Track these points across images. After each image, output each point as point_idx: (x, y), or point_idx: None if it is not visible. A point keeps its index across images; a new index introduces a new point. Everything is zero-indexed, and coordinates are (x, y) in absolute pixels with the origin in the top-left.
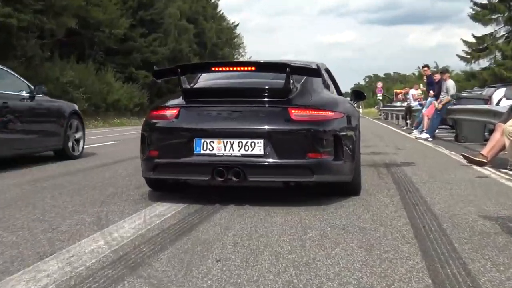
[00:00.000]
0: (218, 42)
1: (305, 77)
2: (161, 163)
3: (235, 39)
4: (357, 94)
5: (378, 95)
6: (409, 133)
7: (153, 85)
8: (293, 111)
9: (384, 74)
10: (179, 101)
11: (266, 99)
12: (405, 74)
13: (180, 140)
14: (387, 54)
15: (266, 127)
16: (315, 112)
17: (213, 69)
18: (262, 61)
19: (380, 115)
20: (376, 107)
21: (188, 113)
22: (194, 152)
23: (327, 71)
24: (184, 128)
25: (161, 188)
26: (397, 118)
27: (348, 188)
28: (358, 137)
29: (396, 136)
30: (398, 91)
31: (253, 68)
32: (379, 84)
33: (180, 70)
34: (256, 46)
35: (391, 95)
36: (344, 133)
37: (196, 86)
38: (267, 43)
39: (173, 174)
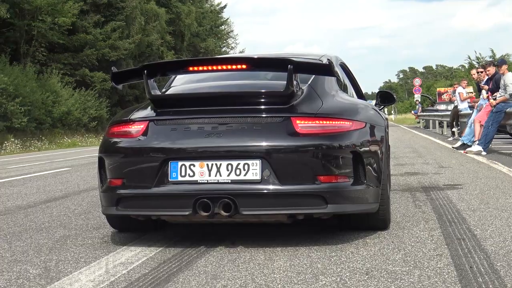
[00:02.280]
0: (200, 31)
1: (313, 76)
2: (126, 195)
3: (222, 26)
4: (385, 96)
5: (416, 96)
6: (453, 146)
7: (114, 92)
8: (298, 121)
9: (424, 68)
10: (147, 112)
11: (262, 107)
12: (451, 67)
13: (150, 164)
14: (427, 41)
15: (264, 144)
16: (328, 122)
17: (190, 69)
18: (256, 57)
19: (418, 122)
20: (413, 112)
21: (159, 128)
22: (170, 179)
23: (343, 66)
24: (154, 148)
25: (128, 229)
26: (441, 126)
27: (373, 221)
28: (385, 153)
29: (439, 150)
30: (443, 89)
31: (244, 66)
32: (417, 82)
33: (147, 72)
34: (252, 35)
35: (433, 95)
36: (367, 148)
37: (169, 92)
38: (266, 31)
39: (143, 210)
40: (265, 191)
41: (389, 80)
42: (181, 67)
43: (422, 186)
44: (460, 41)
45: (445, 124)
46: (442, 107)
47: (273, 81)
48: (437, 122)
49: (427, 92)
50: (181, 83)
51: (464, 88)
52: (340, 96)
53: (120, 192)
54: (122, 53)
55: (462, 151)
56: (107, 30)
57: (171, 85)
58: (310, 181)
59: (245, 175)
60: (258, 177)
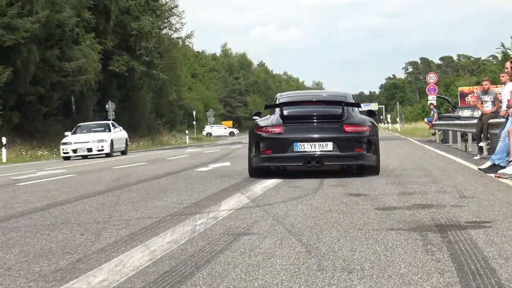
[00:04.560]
0: (131, 6)
1: (349, 107)
2: (274, 156)
3: (163, 0)
4: (369, 113)
5: (430, 97)
6: (480, 167)
7: (11, 91)
8: (345, 126)
9: (441, 59)
10: (279, 122)
11: (331, 120)
12: (478, 57)
13: (285, 143)
14: (445, 23)
15: (332, 135)
16: (357, 127)
17: (301, 104)
18: (329, 100)
19: (433, 134)
20: (426, 120)
21: (288, 128)
22: (294, 150)
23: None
24: (287, 137)
25: (264, 175)
26: (465, 139)
27: (373, 169)
28: (378, 140)
29: (461, 173)
30: (466, 89)
31: (323, 102)
32: (432, 78)
33: (282, 105)
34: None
35: (454, 97)
36: (372, 138)
37: (288, 113)
38: (226, 9)
39: (281, 163)
40: (333, 154)
41: (394, 75)
42: (298, 104)
43: (436, 224)
44: (490, 23)
45: (469, 137)
46: (466, 113)
47: (334, 108)
48: (458, 134)
49: (445, 92)
50: (290, 108)
51: (495, 87)
52: (359, 115)
53: (271, 156)
54: (22, 36)
55: (493, 175)
56: (0, 4)
57: (283, 109)
58: (351, 151)
59: (325, 148)
60: (331, 148)
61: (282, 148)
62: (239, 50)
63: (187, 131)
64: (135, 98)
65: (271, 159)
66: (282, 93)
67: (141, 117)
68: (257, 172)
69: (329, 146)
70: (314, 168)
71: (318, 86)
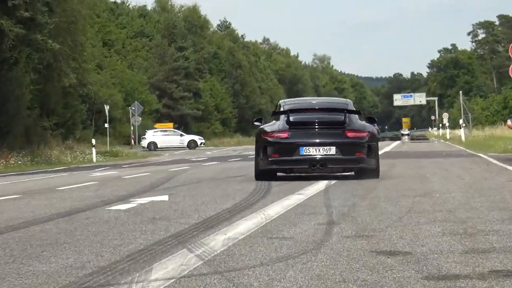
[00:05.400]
0: None
1: (351, 114)
2: (281, 159)
3: None
4: (369, 119)
5: None
6: None
7: None
8: (347, 132)
9: None
10: (285, 127)
11: (334, 126)
12: None
13: (291, 147)
14: None
15: (335, 140)
16: (358, 132)
17: (305, 111)
18: (333, 107)
19: None
20: (510, 121)
21: (294, 133)
22: (299, 154)
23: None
24: (293, 141)
25: (271, 178)
26: None
27: (373, 172)
28: (378, 144)
29: None
30: None
31: (327, 109)
32: None
33: (289, 112)
34: None
35: None
36: (372, 143)
37: (294, 120)
38: None
39: (287, 166)
40: (336, 158)
41: (453, 46)
42: (304, 111)
43: None
44: None
45: None
46: None
47: (337, 115)
48: None
49: None
50: (295, 115)
51: None
52: (359, 122)
53: (278, 159)
54: None
55: None
56: None
57: (289, 115)
58: (353, 154)
59: (329, 152)
60: (334, 152)
61: (289, 152)
62: (187, 0)
63: (93, 141)
64: (2, 81)
65: (278, 162)
66: (285, 100)
67: (12, 115)
68: (264, 175)
69: (332, 150)
70: (318, 171)
71: (323, 62)
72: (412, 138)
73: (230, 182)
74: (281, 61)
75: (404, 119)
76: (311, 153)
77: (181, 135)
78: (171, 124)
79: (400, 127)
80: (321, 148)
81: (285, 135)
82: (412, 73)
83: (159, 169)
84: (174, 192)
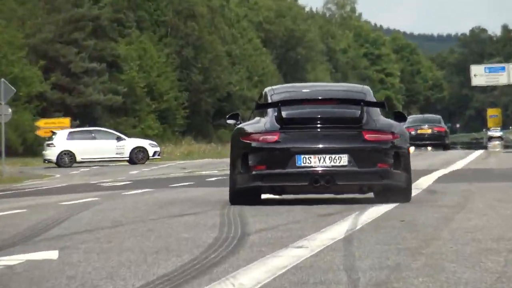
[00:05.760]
0: None
1: (369, 107)
2: (269, 172)
3: None
4: (397, 116)
5: None
6: None
7: None
8: (366, 134)
9: None
10: (276, 127)
11: (347, 125)
12: None
13: (285, 154)
14: None
15: (349, 145)
16: (381, 134)
17: (304, 103)
18: (343, 98)
19: None
20: None
21: (287, 135)
22: (296, 164)
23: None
24: (287, 147)
25: (256, 200)
26: None
27: (402, 194)
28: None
29: None
30: None
31: (336, 102)
32: None
33: (280, 104)
34: None
35: None
36: (402, 149)
37: (291, 116)
38: None
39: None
40: (349, 170)
41: None
42: (301, 103)
43: None
44: None
45: None
46: None
47: (350, 109)
48: None
49: None
50: (290, 109)
51: None
52: (383, 119)
53: (265, 172)
54: None
55: None
56: None
57: (280, 109)
58: (374, 166)
59: (339, 162)
60: (346, 162)
61: (281, 162)
62: None
63: None
64: None
65: (264, 177)
66: (274, 87)
67: None
68: (243, 197)
69: (344, 159)
70: (323, 191)
71: (343, 9)
72: (508, 146)
73: (172, 226)
74: (268, 7)
75: (490, 111)
76: (312, 164)
77: (118, 138)
78: (67, 120)
79: (482, 124)
80: (327, 156)
81: (275, 137)
82: (505, 28)
83: (43, 203)
84: (70, 245)
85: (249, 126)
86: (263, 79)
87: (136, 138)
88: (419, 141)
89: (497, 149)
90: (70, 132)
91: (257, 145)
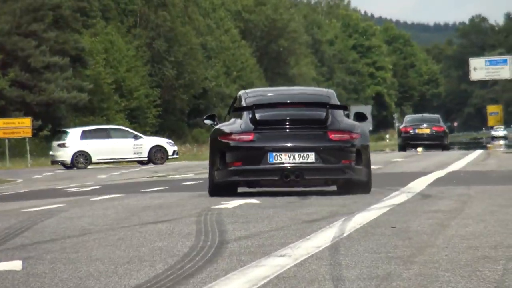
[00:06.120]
0: None
1: (333, 110)
2: (244, 169)
3: None
4: (358, 116)
5: None
6: None
7: None
8: (330, 133)
9: None
10: (251, 127)
11: (314, 126)
12: None
13: (258, 152)
14: None
15: (315, 144)
16: (344, 134)
17: (275, 106)
18: (311, 101)
19: None
20: None
21: (261, 135)
22: (268, 161)
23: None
24: (260, 146)
25: (233, 192)
26: None
27: (363, 187)
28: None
29: None
30: None
31: (304, 105)
32: None
33: (255, 107)
34: None
35: None
36: (363, 147)
37: (264, 118)
38: None
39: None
40: (316, 166)
41: None
42: (273, 106)
43: None
44: None
45: None
46: None
47: (317, 111)
48: None
49: None
50: (263, 111)
51: None
52: (346, 120)
53: (241, 168)
54: None
55: None
56: None
57: (256, 112)
58: (338, 162)
59: (307, 159)
60: (313, 159)
61: (255, 159)
62: None
63: None
64: None
65: (241, 173)
66: (247, 91)
67: None
68: (221, 189)
69: (311, 157)
70: (292, 184)
71: None
72: (511, 145)
73: (145, 234)
74: None
75: (490, 108)
76: (283, 161)
77: (135, 137)
78: (28, 120)
79: (481, 123)
80: (296, 154)
81: (249, 137)
82: (508, 16)
83: (4, 210)
84: (34, 255)
85: (226, 126)
86: (242, 74)
87: (153, 136)
88: (417, 141)
89: (501, 150)
90: (84, 131)
91: (234, 144)
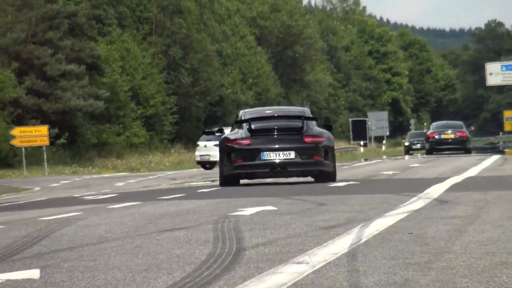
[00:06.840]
0: None
1: (308, 121)
2: (243, 164)
3: None
4: (326, 126)
5: None
6: None
7: None
8: (305, 138)
9: None
10: (247, 135)
11: (293, 132)
12: None
13: (253, 153)
14: None
15: (293, 145)
16: (315, 138)
17: (265, 119)
18: (291, 115)
19: None
20: None
21: (255, 140)
22: (261, 158)
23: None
24: (255, 147)
25: (237, 183)
26: None
27: (330, 176)
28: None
29: None
30: None
31: (285, 117)
32: None
33: (251, 120)
34: None
35: None
36: (330, 147)
37: (255, 127)
38: None
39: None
40: (296, 161)
41: None
42: (264, 119)
43: None
44: None
45: None
46: None
47: (295, 122)
48: None
49: None
50: (256, 123)
51: None
52: (316, 128)
53: (241, 164)
54: None
55: None
56: None
57: (251, 123)
58: (311, 158)
59: (289, 156)
60: (293, 156)
61: (251, 157)
62: None
63: None
64: None
65: (241, 167)
66: (245, 110)
67: None
68: (229, 181)
69: (292, 154)
70: (279, 175)
71: (346, 2)
72: None
73: (162, 242)
74: (262, 0)
75: (507, 114)
76: (271, 158)
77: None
78: (44, 128)
79: (497, 128)
80: (281, 152)
81: (247, 141)
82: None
83: (21, 218)
84: (52, 263)
85: (231, 135)
86: (258, 81)
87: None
88: (442, 145)
89: None
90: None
91: (237, 147)
